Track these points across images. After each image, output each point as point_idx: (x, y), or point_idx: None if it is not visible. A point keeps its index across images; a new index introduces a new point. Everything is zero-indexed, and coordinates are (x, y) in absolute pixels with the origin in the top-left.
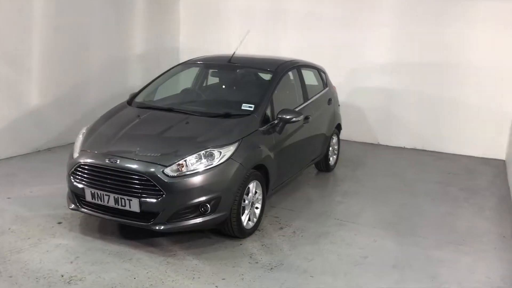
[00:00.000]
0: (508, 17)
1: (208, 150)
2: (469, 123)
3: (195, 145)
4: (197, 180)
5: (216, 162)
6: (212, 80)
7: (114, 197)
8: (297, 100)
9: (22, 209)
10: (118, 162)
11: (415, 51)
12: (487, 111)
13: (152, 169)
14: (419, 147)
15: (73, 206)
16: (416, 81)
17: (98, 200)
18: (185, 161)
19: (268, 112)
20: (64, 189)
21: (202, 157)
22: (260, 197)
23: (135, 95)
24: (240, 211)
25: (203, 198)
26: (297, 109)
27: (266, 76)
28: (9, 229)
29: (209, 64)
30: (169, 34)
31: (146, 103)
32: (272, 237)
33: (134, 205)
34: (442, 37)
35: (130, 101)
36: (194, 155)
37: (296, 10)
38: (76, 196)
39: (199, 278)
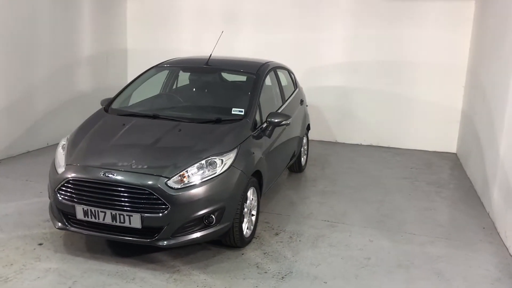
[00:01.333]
0: (456, 17)
1: (209, 158)
2: (422, 119)
3: (195, 154)
4: (201, 191)
5: (218, 170)
6: (191, 83)
7: (111, 213)
8: (275, 102)
9: None
10: (114, 176)
11: (370, 50)
12: (438, 107)
13: (154, 182)
14: (374, 143)
15: (60, 225)
16: (371, 79)
17: (91, 218)
18: (187, 171)
19: (257, 116)
20: (33, 205)
21: (204, 167)
22: (255, 203)
23: (110, 102)
24: (241, 219)
25: (208, 210)
26: (278, 111)
27: (247, 79)
28: None
29: (185, 67)
30: (116, 35)
31: (126, 109)
32: (271, 244)
33: (135, 221)
34: (395, 36)
35: (106, 108)
36: (196, 165)
37: (251, 9)
38: (64, 214)
39: None
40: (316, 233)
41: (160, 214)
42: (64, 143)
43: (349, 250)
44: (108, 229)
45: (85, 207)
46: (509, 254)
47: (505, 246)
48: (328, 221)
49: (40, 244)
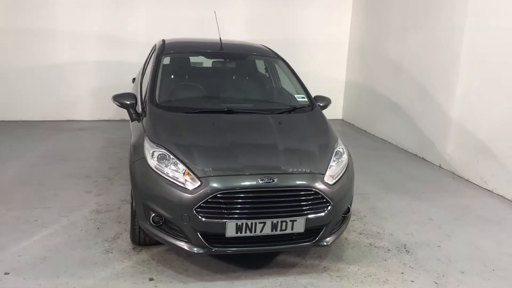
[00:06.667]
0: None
1: (337, 149)
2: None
3: (323, 147)
4: (345, 182)
5: (344, 160)
6: (213, 71)
7: (272, 222)
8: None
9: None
10: (275, 181)
11: (264, 29)
12: (326, 80)
13: (317, 180)
14: None
15: (202, 251)
16: None
17: (246, 232)
18: (331, 165)
19: None
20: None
21: (337, 158)
22: None
23: (155, 100)
24: None
25: (349, 201)
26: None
27: (268, 62)
28: None
29: (203, 52)
30: None
31: (188, 106)
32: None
33: (298, 225)
34: (286, 16)
35: (163, 107)
36: (332, 157)
37: None
38: (204, 236)
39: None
40: (370, 206)
41: (323, 213)
42: (159, 151)
43: (409, 215)
44: (262, 241)
45: (239, 222)
46: (496, 194)
47: (487, 189)
48: None
49: (151, 280)
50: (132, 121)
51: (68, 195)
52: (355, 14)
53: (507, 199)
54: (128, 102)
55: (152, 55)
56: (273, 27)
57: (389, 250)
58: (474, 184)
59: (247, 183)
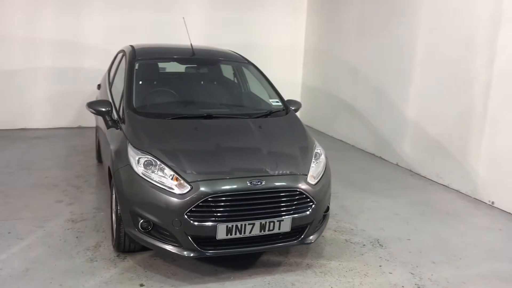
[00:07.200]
0: (298, 4)
1: (315, 151)
2: None
3: (304, 149)
4: (325, 182)
5: (323, 161)
6: (185, 76)
7: (260, 223)
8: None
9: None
10: (263, 183)
11: (225, 34)
12: (283, 83)
13: (301, 181)
14: None
15: (192, 254)
16: None
17: (236, 234)
18: (312, 166)
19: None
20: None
21: (315, 159)
22: None
23: (133, 107)
24: None
25: (328, 201)
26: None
27: (236, 68)
28: None
29: (178, 58)
30: None
31: (167, 112)
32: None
33: (285, 225)
34: (243, 21)
35: (142, 113)
36: (312, 159)
37: None
38: (195, 240)
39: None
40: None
41: (308, 212)
42: (145, 157)
43: (399, 205)
44: (251, 241)
45: (229, 224)
46: (452, 189)
47: (443, 184)
48: None
49: (142, 286)
50: (108, 128)
51: (39, 205)
52: (310, 20)
53: (462, 193)
54: (103, 109)
55: (121, 61)
56: (230, 32)
57: (364, 245)
58: (431, 180)
59: (236, 186)
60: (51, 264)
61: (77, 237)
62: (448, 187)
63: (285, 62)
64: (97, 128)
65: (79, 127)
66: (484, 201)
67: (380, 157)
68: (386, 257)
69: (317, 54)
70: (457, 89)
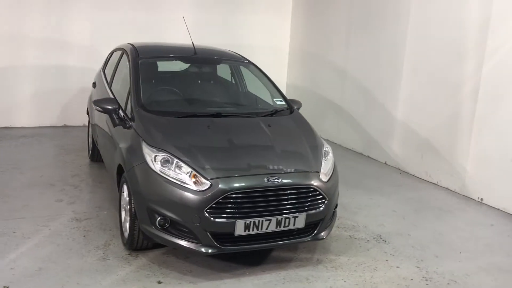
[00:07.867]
0: (282, 7)
1: (324, 149)
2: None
3: (314, 147)
4: (335, 179)
5: (331, 159)
6: (188, 75)
7: (276, 219)
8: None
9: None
10: (279, 180)
11: (212, 34)
12: None
13: (314, 178)
14: None
15: (210, 250)
16: None
17: (253, 230)
18: (323, 164)
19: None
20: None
21: (325, 157)
22: None
23: (142, 105)
24: None
25: (337, 198)
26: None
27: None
28: None
29: (181, 57)
30: None
31: (178, 110)
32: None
33: (299, 221)
34: (228, 21)
35: (153, 112)
36: (323, 157)
37: None
38: (214, 236)
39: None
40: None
41: (321, 208)
42: (162, 155)
43: (384, 206)
44: (267, 237)
45: (248, 220)
46: (441, 186)
47: (432, 182)
48: None
49: (160, 283)
50: (115, 126)
51: (39, 204)
52: (294, 21)
53: (451, 190)
54: (110, 107)
55: (120, 59)
56: (214, 33)
57: (368, 241)
58: (420, 178)
59: (255, 183)
60: (64, 263)
61: (84, 236)
62: (437, 185)
63: (269, 63)
64: (93, 127)
65: (65, 126)
66: (473, 198)
67: (368, 156)
68: (391, 252)
69: (302, 55)
70: (446, 90)
